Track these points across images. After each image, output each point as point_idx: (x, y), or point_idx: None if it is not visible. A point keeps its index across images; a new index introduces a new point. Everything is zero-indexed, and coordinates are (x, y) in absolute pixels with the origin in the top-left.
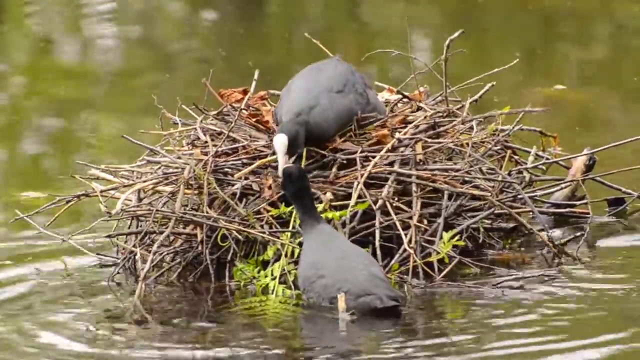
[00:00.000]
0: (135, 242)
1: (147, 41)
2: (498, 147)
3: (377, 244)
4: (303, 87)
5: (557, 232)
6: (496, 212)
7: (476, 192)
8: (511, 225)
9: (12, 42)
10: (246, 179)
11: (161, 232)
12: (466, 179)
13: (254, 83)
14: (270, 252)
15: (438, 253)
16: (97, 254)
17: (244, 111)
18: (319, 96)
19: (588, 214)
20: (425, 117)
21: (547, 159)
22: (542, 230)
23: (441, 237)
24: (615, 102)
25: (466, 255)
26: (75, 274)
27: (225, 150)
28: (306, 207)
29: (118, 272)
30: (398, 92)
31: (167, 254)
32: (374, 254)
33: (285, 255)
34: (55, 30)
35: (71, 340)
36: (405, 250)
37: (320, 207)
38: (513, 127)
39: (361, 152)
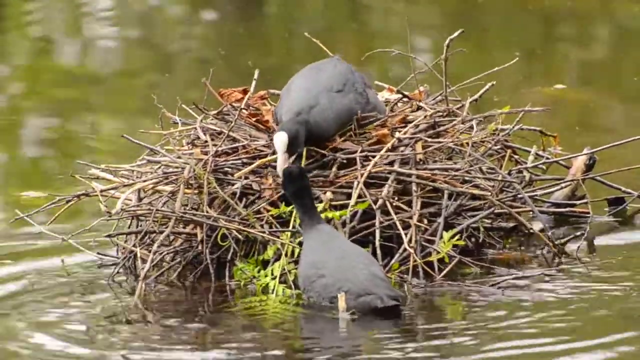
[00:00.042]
0: (135, 241)
1: (147, 41)
2: (498, 147)
3: (377, 243)
4: (303, 87)
5: (557, 231)
6: (496, 211)
7: (476, 191)
8: (511, 224)
9: (12, 42)
10: (246, 178)
11: (161, 232)
12: (466, 178)
13: (254, 83)
14: (270, 252)
15: (438, 252)
16: (97, 253)
17: (244, 111)
18: (318, 96)
19: (588, 213)
20: (425, 117)
21: (547, 158)
22: (543, 230)
23: (441, 237)
24: (615, 102)
25: (466, 254)
26: (75, 274)
27: (225, 150)
28: (306, 206)
29: (118, 272)
30: (398, 92)
31: (167, 253)
32: (374, 254)
33: (286, 255)
34: (55, 30)
35: (70, 340)
36: (405, 249)
37: (320, 206)
38: (513, 127)
39: (361, 151)
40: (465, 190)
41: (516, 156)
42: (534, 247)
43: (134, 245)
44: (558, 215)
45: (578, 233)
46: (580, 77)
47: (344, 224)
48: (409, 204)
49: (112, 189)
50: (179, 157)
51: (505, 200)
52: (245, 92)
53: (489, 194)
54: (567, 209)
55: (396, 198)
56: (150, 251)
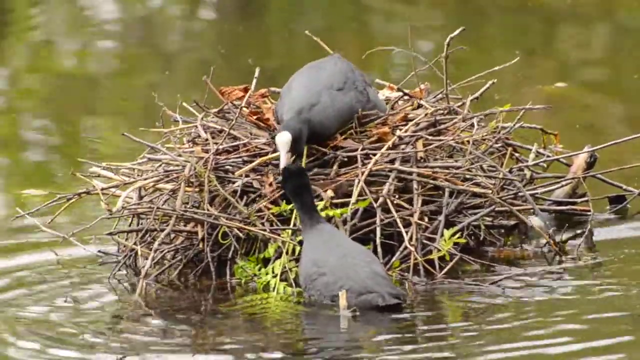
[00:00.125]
0: (136, 239)
1: (147, 41)
2: (499, 145)
3: (378, 241)
4: (303, 85)
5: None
6: (497, 209)
7: (477, 189)
8: (512, 222)
9: (15, 46)
10: (247, 176)
11: (162, 230)
12: (467, 176)
13: (254, 81)
14: (271, 250)
15: (439, 250)
16: (98, 251)
17: (244, 109)
18: (319, 94)
19: (589, 211)
20: (426, 115)
21: (548, 156)
22: (543, 228)
23: (442, 235)
24: (615, 102)
25: (467, 252)
26: (75, 271)
27: (226, 148)
28: (306, 205)
29: (119, 270)
30: (399, 90)
31: (168, 251)
32: (375, 252)
33: (286, 253)
34: (56, 31)
35: (69, 339)
36: (406, 247)
37: (320, 204)
38: (514, 125)
39: (362, 149)
40: (466, 188)
41: (517, 154)
42: (534, 245)
43: (135, 243)
44: (559, 213)
45: (579, 231)
46: (580, 77)
47: (344, 222)
48: (410, 201)
49: (113, 187)
50: (180, 155)
51: (506, 198)
52: (246, 90)
53: (490, 191)
54: (568, 207)
55: (397, 196)
56: (151, 249)
